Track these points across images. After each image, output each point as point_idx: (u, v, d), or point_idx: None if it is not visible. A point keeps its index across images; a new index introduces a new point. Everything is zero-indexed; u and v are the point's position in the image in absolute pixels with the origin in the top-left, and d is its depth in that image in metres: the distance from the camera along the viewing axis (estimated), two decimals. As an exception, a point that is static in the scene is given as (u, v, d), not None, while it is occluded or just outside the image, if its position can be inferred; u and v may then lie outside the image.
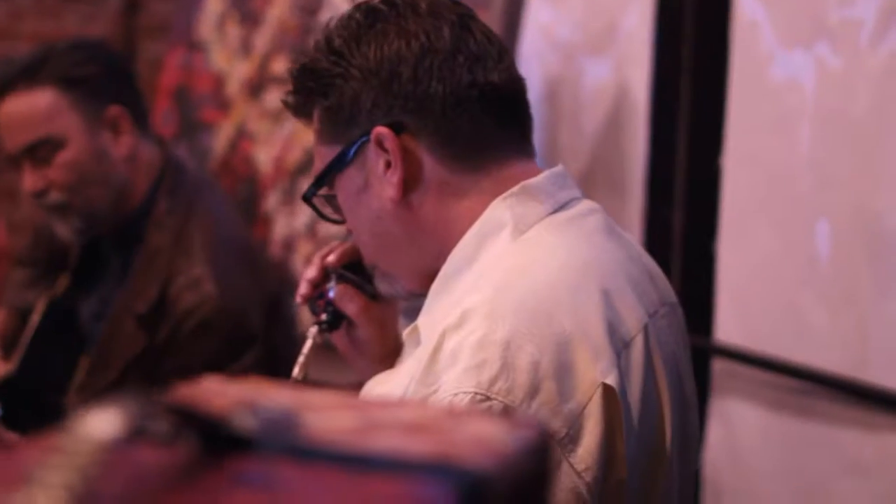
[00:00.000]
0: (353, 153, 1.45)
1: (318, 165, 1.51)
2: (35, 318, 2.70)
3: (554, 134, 3.00)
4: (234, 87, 3.71)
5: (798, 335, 2.33)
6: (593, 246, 1.43)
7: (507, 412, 1.24)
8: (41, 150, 2.43)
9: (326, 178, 1.49)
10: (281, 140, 3.53)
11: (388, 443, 0.66)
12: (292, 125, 3.50)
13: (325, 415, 0.70)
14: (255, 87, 3.63)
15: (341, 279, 1.61)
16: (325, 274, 1.64)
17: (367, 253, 1.54)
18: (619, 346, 1.34)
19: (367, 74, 1.42)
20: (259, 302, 2.48)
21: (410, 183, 1.44)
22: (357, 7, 1.48)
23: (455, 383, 1.27)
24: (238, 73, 3.69)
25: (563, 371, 1.28)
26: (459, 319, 1.31)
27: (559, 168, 1.49)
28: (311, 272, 1.65)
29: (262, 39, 3.63)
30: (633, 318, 1.38)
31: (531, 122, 1.51)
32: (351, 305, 1.60)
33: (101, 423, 0.57)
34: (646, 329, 1.39)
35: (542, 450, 0.72)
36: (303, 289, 1.65)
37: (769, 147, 2.44)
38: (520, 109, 1.49)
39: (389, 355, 1.59)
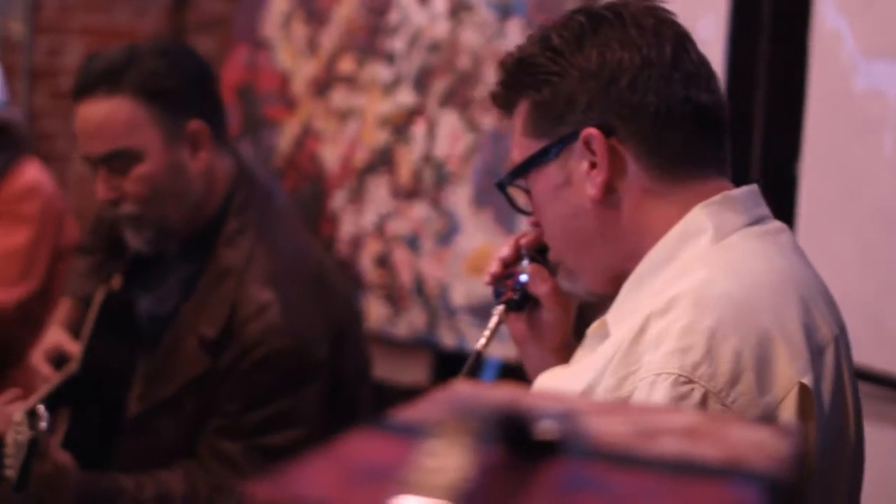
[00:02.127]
0: (558, 150, 1.50)
1: (518, 156, 1.55)
2: (93, 310, 2.71)
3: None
4: (299, 85, 3.74)
5: (879, 342, 2.37)
6: (787, 259, 1.48)
7: (706, 398, 1.31)
8: (117, 162, 2.39)
9: (526, 169, 1.54)
10: (347, 139, 3.57)
11: (674, 447, 0.71)
12: (358, 125, 3.55)
13: (598, 420, 0.75)
14: (322, 86, 3.67)
15: (535, 260, 1.65)
16: (517, 256, 1.67)
17: (555, 248, 1.58)
18: (815, 351, 1.40)
19: (585, 76, 1.47)
20: (325, 332, 2.46)
21: (612, 185, 1.48)
22: (580, 10, 1.54)
23: (658, 364, 1.34)
24: (304, 71, 3.73)
25: (763, 365, 1.35)
26: (666, 305, 1.37)
27: (754, 186, 1.54)
28: (504, 251, 1.69)
29: (329, 39, 3.67)
30: (825, 329, 1.44)
31: (729, 144, 1.56)
32: (543, 286, 1.63)
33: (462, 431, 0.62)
34: (836, 341, 1.44)
35: (800, 455, 0.76)
36: (494, 267, 1.69)
37: (849, 155, 2.48)
38: (721, 130, 1.54)
39: (564, 347, 1.64)
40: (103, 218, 2.77)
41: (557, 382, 1.51)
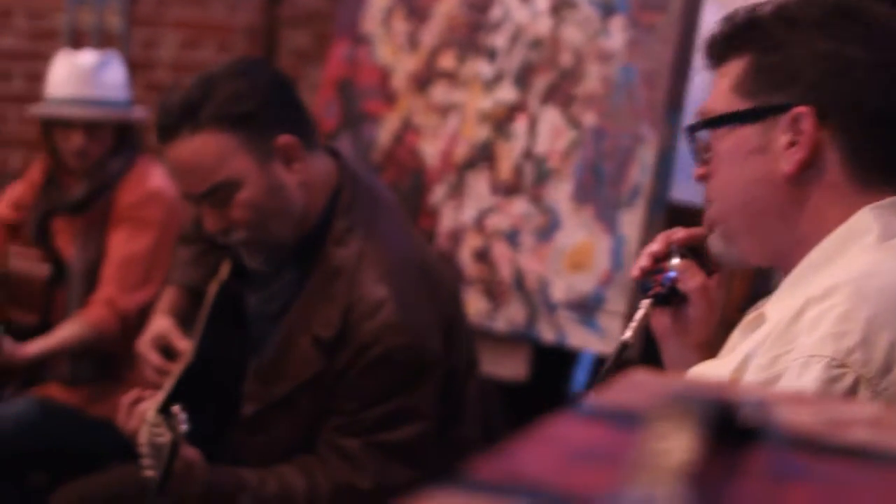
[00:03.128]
0: (765, 116, 1.53)
1: (717, 107, 1.59)
2: (207, 302, 2.74)
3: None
4: (400, 80, 3.77)
5: None
6: None
7: (857, 383, 1.35)
8: (218, 195, 2.41)
9: (724, 123, 1.57)
10: (448, 134, 3.59)
11: (866, 437, 0.73)
12: (458, 120, 3.58)
13: (786, 409, 0.77)
14: (422, 81, 3.70)
15: (685, 256, 1.68)
16: (667, 252, 1.70)
17: (722, 209, 1.61)
18: None
19: (818, 57, 1.51)
20: (438, 325, 2.48)
21: (806, 168, 1.51)
22: None
23: (813, 347, 1.37)
24: (404, 66, 3.76)
25: None
26: (825, 292, 1.40)
27: None
28: (654, 246, 1.72)
29: (430, 34, 3.70)
30: None
31: None
32: (692, 281, 1.67)
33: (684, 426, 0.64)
34: None
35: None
36: (643, 261, 1.72)
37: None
38: None
39: (707, 343, 1.66)
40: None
41: (711, 372, 1.53)
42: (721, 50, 1.60)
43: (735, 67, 1.57)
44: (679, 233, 1.70)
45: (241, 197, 2.40)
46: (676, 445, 0.62)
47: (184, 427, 2.18)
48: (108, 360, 3.68)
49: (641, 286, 1.72)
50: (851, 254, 1.48)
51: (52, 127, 3.66)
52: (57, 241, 3.75)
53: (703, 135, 1.61)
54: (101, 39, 5.55)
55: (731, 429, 0.71)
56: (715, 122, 1.58)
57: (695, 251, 1.68)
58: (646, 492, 0.58)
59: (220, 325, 2.65)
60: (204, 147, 2.37)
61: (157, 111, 2.47)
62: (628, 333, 1.64)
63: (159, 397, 2.38)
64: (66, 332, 3.51)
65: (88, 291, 3.61)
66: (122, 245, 3.59)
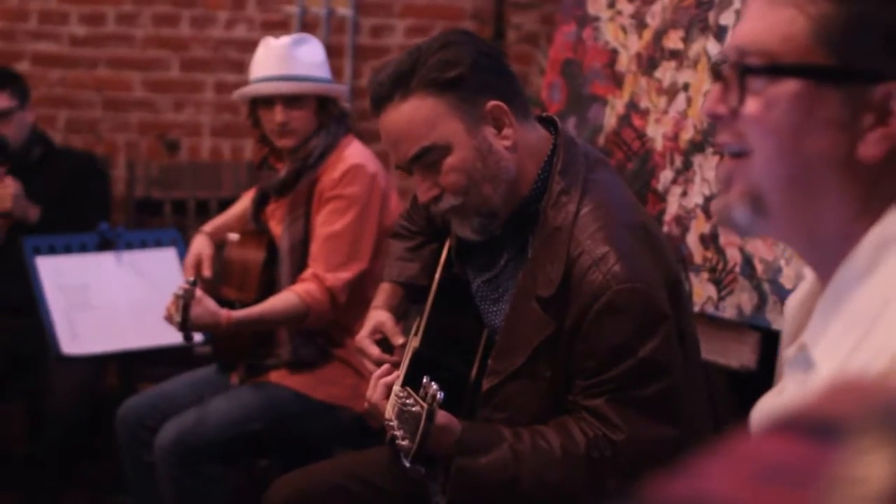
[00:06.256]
0: (851, 81, 1.29)
1: (781, 46, 1.32)
2: (432, 291, 2.76)
3: None
4: (625, 61, 3.70)
5: None
6: None
7: None
8: (427, 158, 2.44)
9: (795, 71, 1.31)
10: (674, 117, 3.51)
11: None
12: (686, 102, 3.48)
13: None
14: (649, 63, 3.62)
15: None
16: None
17: (763, 172, 1.34)
18: None
19: None
20: (663, 282, 2.39)
21: (887, 156, 1.29)
22: None
23: None
24: (630, 47, 3.68)
25: None
26: (892, 363, 1.19)
27: None
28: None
29: (656, 15, 3.61)
30: None
31: None
32: None
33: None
34: None
35: None
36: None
37: None
38: None
39: None
40: (419, 204, 2.85)
41: (774, 414, 1.40)
42: None
43: (823, 12, 1.29)
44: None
45: (451, 161, 2.43)
46: (875, 471, 0.55)
47: (440, 395, 2.21)
48: (326, 341, 3.73)
49: None
50: (887, 266, 1.27)
51: (256, 109, 3.75)
52: (271, 225, 3.83)
53: (758, 84, 1.33)
54: (332, 27, 5.63)
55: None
56: (793, 70, 1.30)
57: None
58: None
59: (446, 311, 2.68)
60: (414, 111, 2.42)
61: (370, 85, 2.51)
62: None
63: (401, 373, 2.46)
64: (275, 301, 3.56)
65: (298, 271, 3.66)
66: (327, 223, 3.64)
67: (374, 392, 2.46)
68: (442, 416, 2.28)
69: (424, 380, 2.24)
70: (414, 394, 2.30)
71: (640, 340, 2.32)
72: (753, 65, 1.33)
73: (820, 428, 0.62)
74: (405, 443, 2.27)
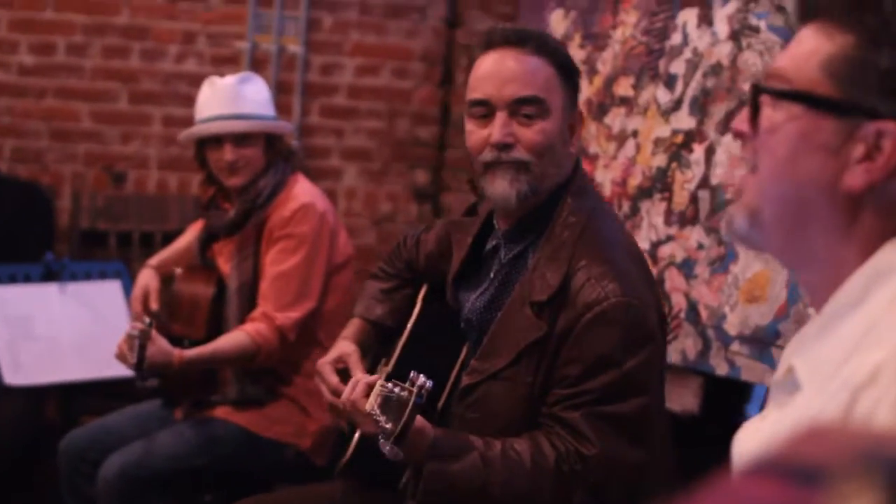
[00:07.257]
0: (850, 115, 1.36)
1: (796, 76, 1.41)
2: (409, 326, 2.83)
3: None
4: (575, 107, 3.74)
5: None
6: None
7: None
8: (529, 108, 2.54)
9: (805, 102, 1.39)
10: (623, 163, 3.55)
11: None
12: (634, 149, 3.53)
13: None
14: (599, 109, 3.66)
15: None
16: None
17: (763, 187, 1.44)
18: None
19: None
20: (654, 306, 2.49)
21: (872, 189, 1.36)
22: None
23: None
24: (581, 93, 3.72)
25: None
26: (870, 377, 1.25)
27: None
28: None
29: (607, 62, 3.66)
30: None
31: None
32: None
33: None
34: None
35: None
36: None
37: None
38: None
39: None
40: (401, 248, 3.00)
41: (756, 439, 1.43)
42: (824, 10, 1.40)
43: (836, 46, 1.37)
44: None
45: (545, 125, 2.54)
46: (859, 511, 0.58)
47: (429, 383, 2.27)
48: (275, 379, 3.73)
49: None
50: (879, 296, 1.33)
51: (203, 149, 3.76)
52: (219, 262, 3.83)
53: (770, 110, 1.41)
54: (281, 65, 5.64)
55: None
56: (797, 96, 1.38)
57: None
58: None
59: (420, 346, 2.73)
60: (539, 67, 2.55)
61: (492, 28, 2.63)
62: None
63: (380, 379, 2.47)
64: (226, 340, 3.57)
65: (246, 309, 3.67)
66: (276, 262, 3.66)
67: (352, 391, 2.48)
68: (417, 420, 2.32)
69: (412, 374, 2.29)
70: (400, 384, 2.33)
71: (627, 354, 2.38)
72: (767, 86, 1.43)
73: (804, 472, 0.64)
74: (389, 425, 2.29)
